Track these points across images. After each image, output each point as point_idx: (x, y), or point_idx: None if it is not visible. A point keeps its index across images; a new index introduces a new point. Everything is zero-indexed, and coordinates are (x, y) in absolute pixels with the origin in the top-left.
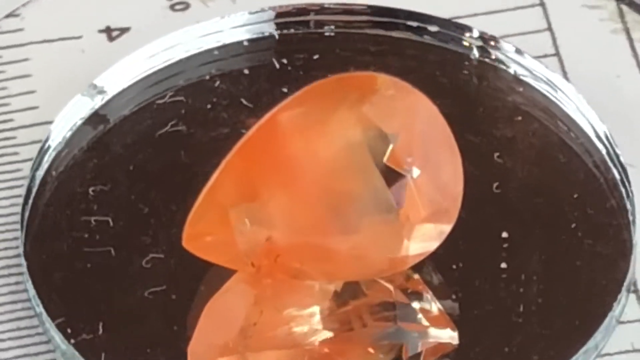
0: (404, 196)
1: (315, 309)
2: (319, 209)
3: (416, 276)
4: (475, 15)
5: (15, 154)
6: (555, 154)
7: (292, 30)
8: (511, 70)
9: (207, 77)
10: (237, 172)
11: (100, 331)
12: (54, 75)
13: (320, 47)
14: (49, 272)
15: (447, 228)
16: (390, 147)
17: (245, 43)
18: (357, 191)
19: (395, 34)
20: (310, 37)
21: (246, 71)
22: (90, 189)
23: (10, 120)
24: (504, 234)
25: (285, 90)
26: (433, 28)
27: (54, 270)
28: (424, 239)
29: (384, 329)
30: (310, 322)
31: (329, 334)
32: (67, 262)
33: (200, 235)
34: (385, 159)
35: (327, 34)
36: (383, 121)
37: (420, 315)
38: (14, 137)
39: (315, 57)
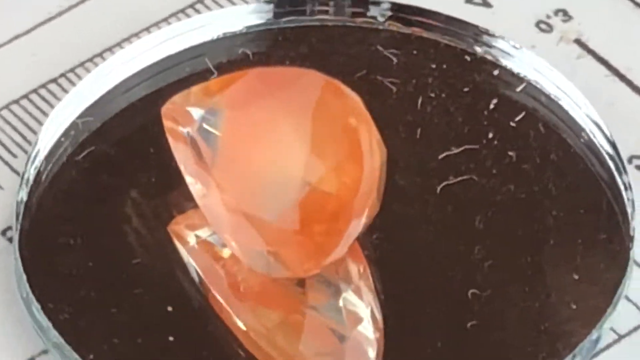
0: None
1: None
2: (247, 179)
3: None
4: None
5: None
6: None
7: None
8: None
9: None
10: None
11: None
12: None
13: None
14: None
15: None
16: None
17: None
18: (276, 189)
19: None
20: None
21: None
22: None
23: None
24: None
25: None
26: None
27: None
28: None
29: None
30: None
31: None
32: None
33: (175, 114)
34: (312, 182)
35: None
36: (332, 154)
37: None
38: None
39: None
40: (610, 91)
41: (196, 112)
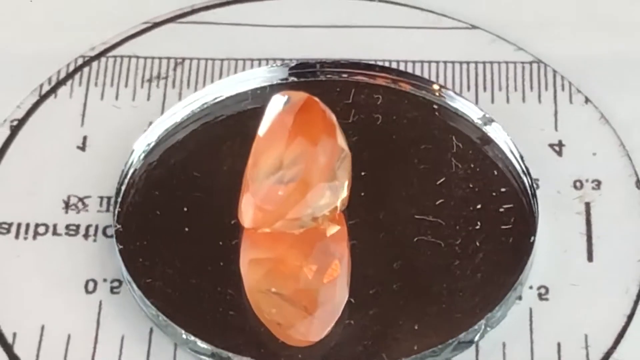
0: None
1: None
2: (257, 158)
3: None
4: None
5: None
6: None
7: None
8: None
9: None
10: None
11: None
12: None
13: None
14: None
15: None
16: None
17: None
18: (264, 169)
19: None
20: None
21: None
22: None
23: None
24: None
25: None
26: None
27: None
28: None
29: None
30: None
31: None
32: None
33: (275, 100)
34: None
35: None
36: (300, 157)
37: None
38: None
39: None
40: (573, 242)
41: (281, 100)
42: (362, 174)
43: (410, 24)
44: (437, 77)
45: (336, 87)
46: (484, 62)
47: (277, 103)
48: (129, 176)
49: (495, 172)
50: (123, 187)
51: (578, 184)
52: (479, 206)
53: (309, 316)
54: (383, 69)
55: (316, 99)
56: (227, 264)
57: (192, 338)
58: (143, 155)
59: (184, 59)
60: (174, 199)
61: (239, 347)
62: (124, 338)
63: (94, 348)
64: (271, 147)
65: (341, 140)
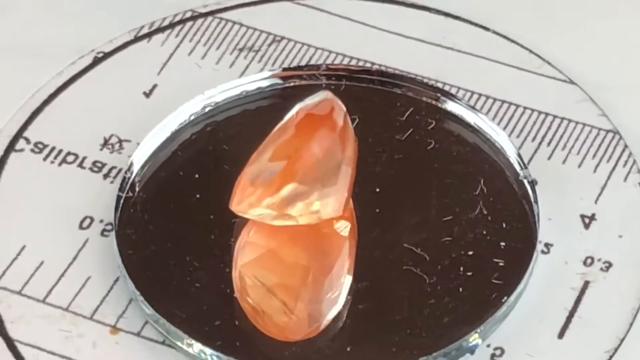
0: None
1: None
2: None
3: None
4: None
5: None
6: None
7: None
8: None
9: None
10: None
11: None
12: None
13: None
14: None
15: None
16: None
17: None
18: (262, 153)
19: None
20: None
21: None
22: None
23: None
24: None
25: None
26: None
27: None
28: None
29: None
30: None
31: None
32: None
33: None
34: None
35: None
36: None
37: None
38: None
39: None
40: (552, 315)
41: (318, 95)
42: (377, 189)
43: (511, 62)
44: (510, 120)
45: (397, 101)
46: (562, 118)
47: (312, 97)
48: (167, 131)
49: (504, 225)
50: (158, 141)
51: (589, 260)
52: (470, 252)
53: (288, 312)
54: (450, 95)
55: (337, 103)
56: (216, 239)
57: (141, 298)
58: (194, 116)
59: (282, 38)
60: (196, 165)
61: (181, 319)
62: (89, 279)
63: (58, 280)
64: (276, 136)
65: (338, 152)
